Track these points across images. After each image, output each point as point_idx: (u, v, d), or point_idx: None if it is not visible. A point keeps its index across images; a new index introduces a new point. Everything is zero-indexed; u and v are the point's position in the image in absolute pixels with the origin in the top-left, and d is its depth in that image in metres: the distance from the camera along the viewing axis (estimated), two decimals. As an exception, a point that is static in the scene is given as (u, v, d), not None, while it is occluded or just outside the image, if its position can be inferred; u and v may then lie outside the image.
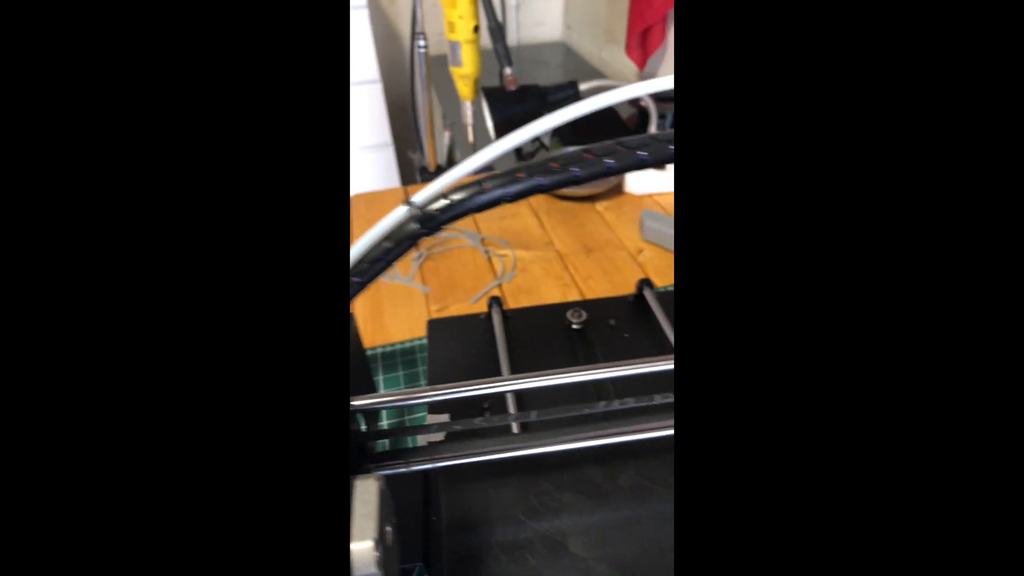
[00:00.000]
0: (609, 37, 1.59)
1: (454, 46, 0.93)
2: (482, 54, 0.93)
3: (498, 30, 0.86)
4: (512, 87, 0.87)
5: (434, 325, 0.57)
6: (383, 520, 0.21)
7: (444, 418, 0.42)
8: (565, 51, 1.87)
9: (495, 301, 0.59)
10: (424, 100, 1.17)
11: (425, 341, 0.62)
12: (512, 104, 0.93)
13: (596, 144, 0.20)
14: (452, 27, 0.90)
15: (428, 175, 1.25)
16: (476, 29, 0.90)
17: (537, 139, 0.94)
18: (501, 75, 0.89)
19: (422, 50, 1.12)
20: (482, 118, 0.95)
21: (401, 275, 0.78)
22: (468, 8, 0.87)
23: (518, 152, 0.92)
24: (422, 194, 0.21)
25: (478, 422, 0.33)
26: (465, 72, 0.94)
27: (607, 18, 1.58)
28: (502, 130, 0.97)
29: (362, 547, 0.20)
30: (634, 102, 1.19)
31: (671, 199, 0.94)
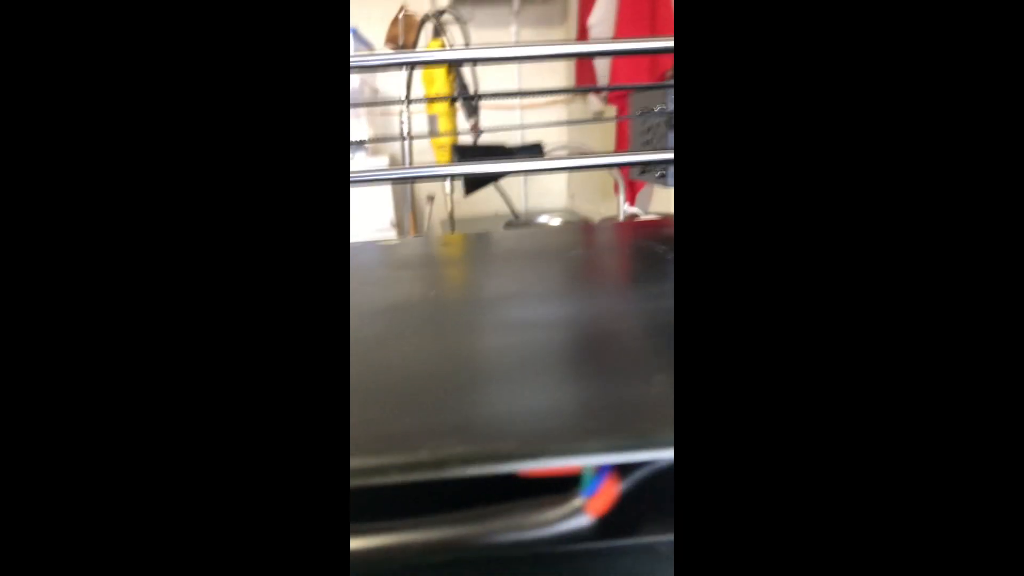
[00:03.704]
0: (604, 194, 1.76)
1: (432, 119, 1.06)
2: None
3: (464, 90, 0.98)
4: (475, 130, 0.96)
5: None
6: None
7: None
8: (570, 212, 2.05)
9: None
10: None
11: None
12: (480, 158, 1.01)
13: None
14: (429, 96, 1.04)
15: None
16: (452, 103, 1.03)
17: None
18: (474, 129, 0.99)
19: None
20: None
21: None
22: (444, 86, 1.02)
23: (469, 184, 0.97)
24: None
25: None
26: (442, 142, 1.05)
27: (602, 180, 1.76)
28: (468, 183, 1.04)
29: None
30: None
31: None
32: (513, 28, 2.05)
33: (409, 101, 0.86)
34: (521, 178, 2.17)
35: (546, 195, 2.22)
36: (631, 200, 1.43)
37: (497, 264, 0.39)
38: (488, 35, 1.98)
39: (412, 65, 0.95)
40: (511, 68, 2.03)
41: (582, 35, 1.69)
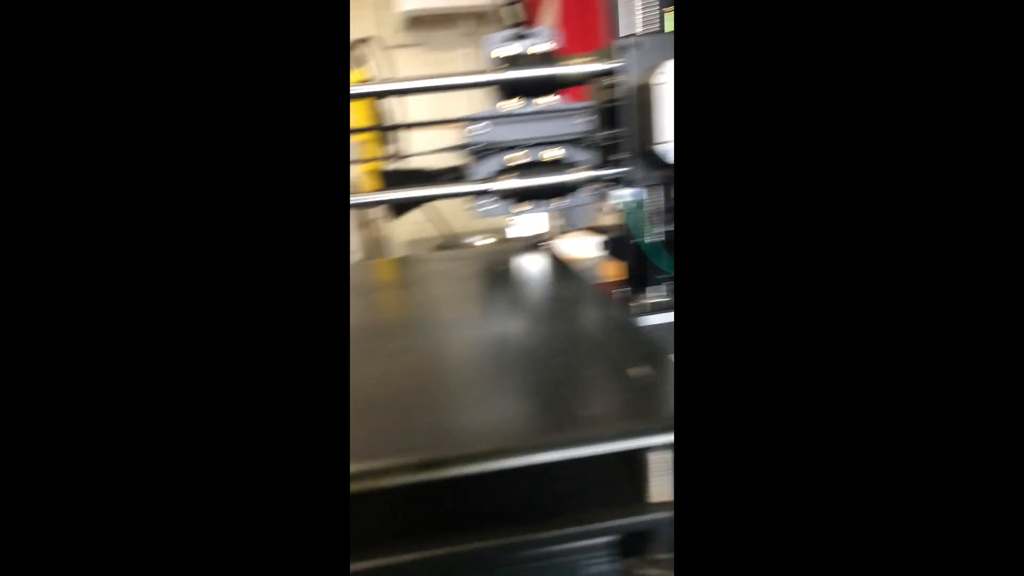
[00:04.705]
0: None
1: (357, 147, 1.06)
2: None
3: (384, 119, 0.99)
4: (395, 156, 0.97)
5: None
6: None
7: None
8: (501, 232, 2.06)
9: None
10: None
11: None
12: (405, 181, 1.02)
13: None
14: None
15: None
16: (374, 131, 1.04)
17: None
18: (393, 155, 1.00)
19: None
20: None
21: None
22: (364, 115, 1.03)
23: (396, 208, 0.98)
24: None
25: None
26: (369, 168, 1.06)
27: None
28: (393, 209, 1.04)
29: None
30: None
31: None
32: (463, 51, 2.07)
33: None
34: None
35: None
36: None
37: (414, 287, 0.43)
38: (440, 57, 2.00)
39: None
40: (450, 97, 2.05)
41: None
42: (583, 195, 0.41)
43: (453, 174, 1.04)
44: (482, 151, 0.40)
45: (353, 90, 0.44)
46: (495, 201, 0.41)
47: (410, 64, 1.86)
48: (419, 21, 1.93)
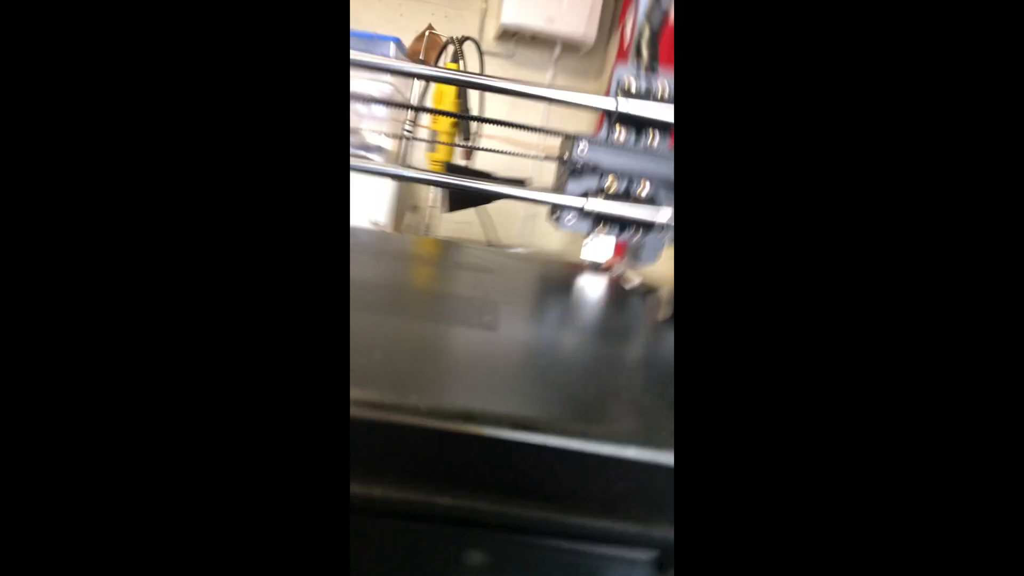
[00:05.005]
0: (575, 239, 1.79)
1: (433, 134, 1.10)
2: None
3: (466, 113, 1.02)
4: (466, 154, 1.00)
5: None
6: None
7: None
8: (540, 250, 2.08)
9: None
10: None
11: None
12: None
13: None
14: (435, 119, 1.08)
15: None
16: (454, 124, 1.08)
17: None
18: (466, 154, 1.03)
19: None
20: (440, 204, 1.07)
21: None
22: (451, 105, 1.06)
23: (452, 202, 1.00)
24: None
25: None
26: (437, 157, 1.09)
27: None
28: (452, 201, 1.07)
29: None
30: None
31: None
32: (550, 73, 2.12)
33: (418, 109, 0.90)
34: (519, 218, 2.21)
35: (547, 238, 2.26)
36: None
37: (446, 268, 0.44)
38: (524, 74, 2.06)
39: (422, 79, 0.99)
40: (527, 109, 2.08)
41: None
42: (658, 236, 0.43)
43: (517, 183, 1.06)
44: (580, 169, 0.42)
45: (453, 76, 0.46)
46: (580, 218, 0.43)
47: (495, 73, 1.91)
48: (515, 36, 1.98)
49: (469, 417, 0.19)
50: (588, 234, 0.44)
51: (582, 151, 0.42)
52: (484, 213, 1.25)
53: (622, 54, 1.86)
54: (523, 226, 2.25)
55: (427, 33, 1.17)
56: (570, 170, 0.43)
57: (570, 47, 2.02)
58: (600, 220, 0.43)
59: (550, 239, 2.28)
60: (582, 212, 0.42)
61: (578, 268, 0.49)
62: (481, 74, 0.44)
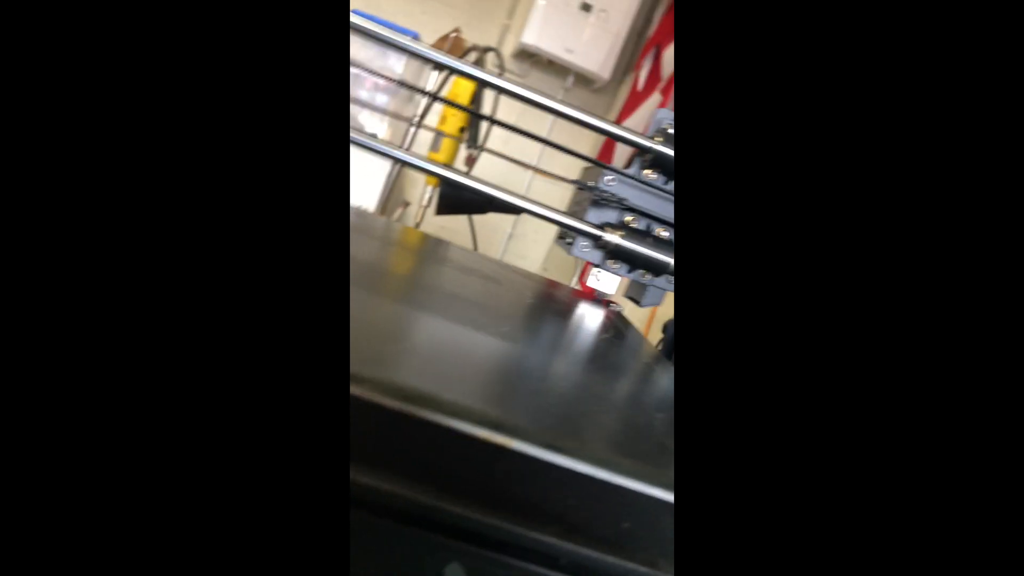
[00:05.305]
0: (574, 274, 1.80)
1: (438, 135, 1.08)
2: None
3: (476, 119, 1.01)
4: (469, 161, 0.98)
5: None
6: None
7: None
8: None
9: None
10: (394, 175, 1.29)
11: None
12: (463, 188, 1.03)
13: None
14: (443, 119, 1.07)
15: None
16: (462, 130, 1.06)
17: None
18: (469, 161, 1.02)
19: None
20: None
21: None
22: (462, 112, 1.05)
23: (443, 205, 0.98)
24: None
25: None
26: (438, 158, 1.08)
27: (575, 264, 1.81)
28: (444, 204, 1.05)
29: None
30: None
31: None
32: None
33: (434, 96, 0.88)
34: (504, 235, 2.21)
35: (521, 260, 2.26)
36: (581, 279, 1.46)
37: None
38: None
39: (442, 69, 0.98)
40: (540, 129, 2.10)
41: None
42: (664, 280, 0.43)
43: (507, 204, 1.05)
44: (602, 199, 0.42)
45: (478, 74, 0.45)
46: (592, 247, 0.42)
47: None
48: (531, 58, 2.00)
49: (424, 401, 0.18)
50: (597, 265, 0.43)
51: (610, 182, 0.41)
52: (471, 223, 1.24)
53: (633, 96, 1.89)
54: (506, 245, 2.24)
55: (453, 35, 1.17)
56: (593, 199, 0.42)
57: (582, 79, 2.05)
58: (613, 254, 0.42)
59: (526, 262, 2.28)
60: (597, 242, 0.41)
61: (578, 294, 0.48)
62: (517, 83, 0.43)
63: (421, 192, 1.13)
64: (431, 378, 0.20)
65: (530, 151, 1.90)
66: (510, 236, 2.22)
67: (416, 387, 0.18)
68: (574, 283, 1.35)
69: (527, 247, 2.26)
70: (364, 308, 0.24)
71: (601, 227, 0.41)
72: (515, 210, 0.44)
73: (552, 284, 0.49)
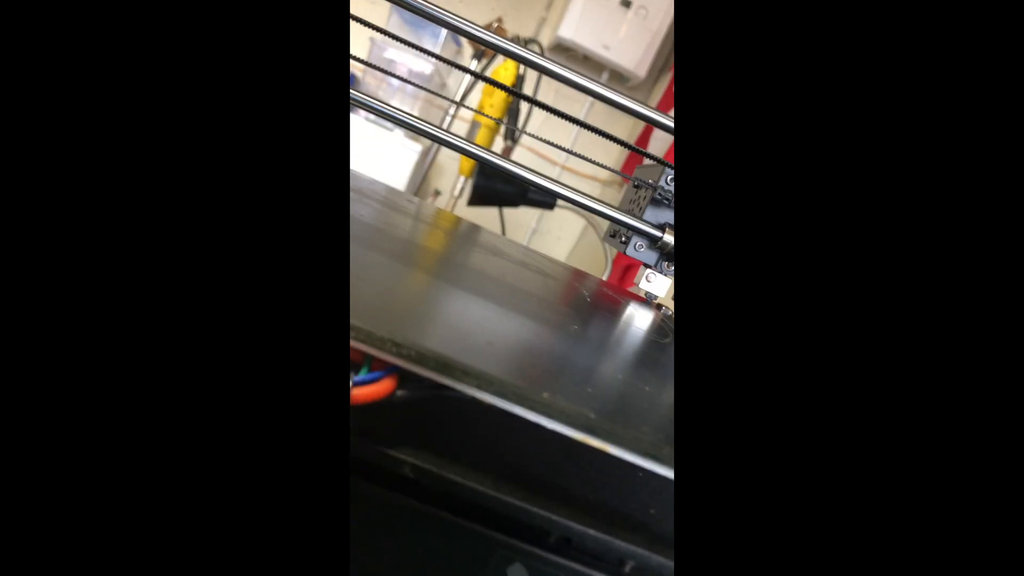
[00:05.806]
0: (598, 269, 1.78)
1: (475, 125, 1.07)
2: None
3: (516, 111, 1.00)
4: (505, 154, 0.97)
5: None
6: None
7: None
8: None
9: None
10: (426, 164, 1.28)
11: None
12: (497, 179, 1.02)
13: None
14: (482, 107, 1.06)
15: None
16: (499, 122, 1.05)
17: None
18: (505, 153, 1.00)
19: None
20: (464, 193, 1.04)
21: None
22: (501, 101, 1.04)
23: (476, 196, 0.98)
24: None
25: None
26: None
27: (605, 262, 1.79)
28: (477, 195, 1.04)
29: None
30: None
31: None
32: (589, 101, 2.12)
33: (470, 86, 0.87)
34: (529, 228, 2.20)
35: (547, 253, 2.24)
36: (613, 276, 1.45)
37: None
38: (565, 92, 2.05)
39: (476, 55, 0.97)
40: (568, 130, 2.08)
41: (649, 131, 1.75)
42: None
43: (541, 199, 1.04)
44: (662, 200, 0.40)
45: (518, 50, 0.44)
46: (648, 247, 0.41)
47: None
48: (566, 52, 1.98)
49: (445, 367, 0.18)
50: (651, 266, 0.41)
51: (671, 181, 0.40)
52: (501, 216, 1.23)
53: (668, 96, 1.86)
54: (529, 240, 2.23)
55: (496, 24, 1.15)
56: (652, 198, 0.40)
57: (617, 77, 2.02)
58: (668, 256, 0.41)
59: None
60: (655, 243, 0.40)
61: (628, 295, 0.47)
62: (575, 71, 0.41)
63: (453, 182, 1.12)
64: (517, 373, 0.19)
65: (560, 154, 1.88)
66: (534, 231, 2.21)
67: (510, 381, 0.18)
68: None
69: (551, 244, 2.25)
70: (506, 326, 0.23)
71: (661, 227, 0.40)
72: (548, 205, 0.43)
73: (607, 285, 0.48)
